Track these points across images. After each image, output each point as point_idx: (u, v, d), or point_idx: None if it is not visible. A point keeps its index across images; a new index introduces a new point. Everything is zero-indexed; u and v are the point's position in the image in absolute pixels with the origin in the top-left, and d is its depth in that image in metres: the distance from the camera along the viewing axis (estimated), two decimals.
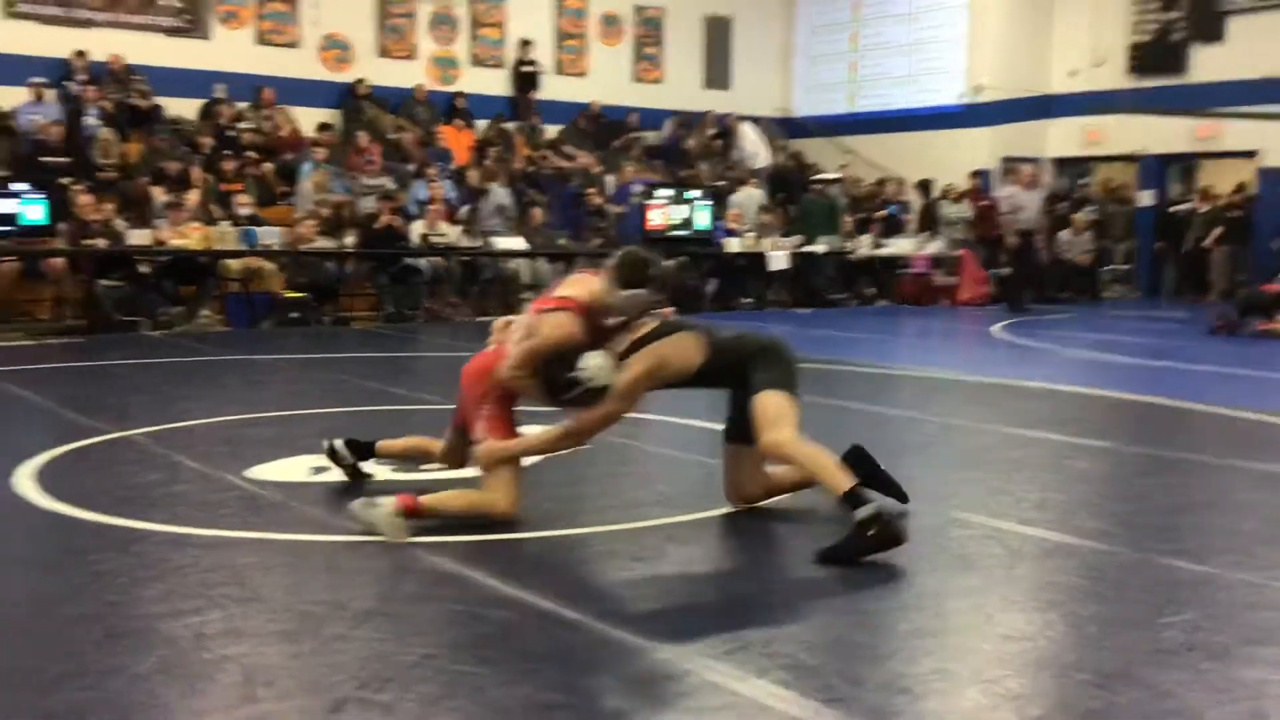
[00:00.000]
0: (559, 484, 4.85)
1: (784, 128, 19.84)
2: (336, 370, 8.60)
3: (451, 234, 13.09)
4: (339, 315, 12.31)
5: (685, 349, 4.07)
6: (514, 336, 4.20)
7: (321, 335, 11.19)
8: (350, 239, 12.69)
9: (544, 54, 17.75)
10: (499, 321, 4.53)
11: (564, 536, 4.06)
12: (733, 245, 15.02)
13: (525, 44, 17.41)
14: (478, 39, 17.25)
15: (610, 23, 18.61)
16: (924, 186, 16.97)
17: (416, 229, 12.94)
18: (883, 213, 16.59)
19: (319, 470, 4.99)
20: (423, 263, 12.70)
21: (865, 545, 3.64)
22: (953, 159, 17.40)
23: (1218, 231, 16.56)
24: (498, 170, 14.71)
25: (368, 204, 13.24)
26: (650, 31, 19.06)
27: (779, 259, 14.95)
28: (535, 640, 3.03)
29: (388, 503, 3.94)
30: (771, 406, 3.97)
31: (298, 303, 11.82)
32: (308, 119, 14.90)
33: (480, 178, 14.44)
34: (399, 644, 2.99)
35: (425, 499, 4.06)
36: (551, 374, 4.01)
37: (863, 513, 3.66)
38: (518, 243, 13.78)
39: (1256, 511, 4.56)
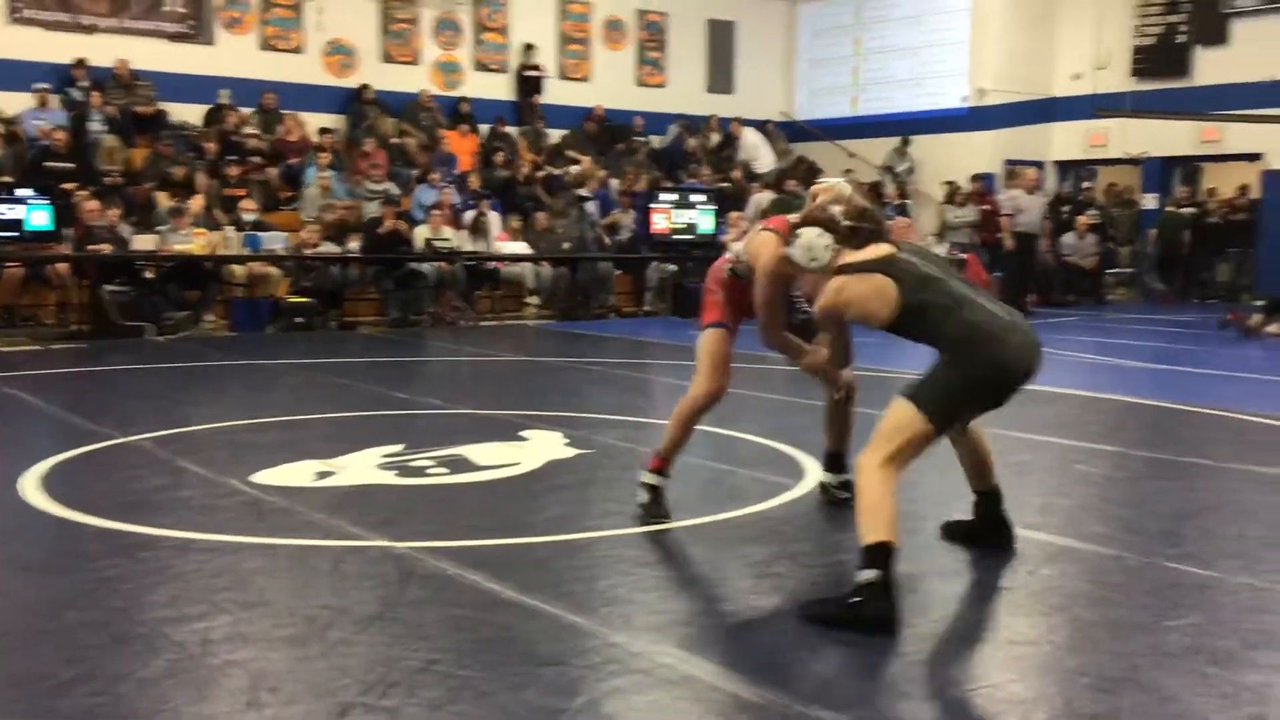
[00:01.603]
0: (564, 488, 4.86)
1: (787, 131, 19.85)
2: (341, 375, 8.62)
3: (456, 238, 13.10)
4: (343, 320, 12.31)
5: (868, 295, 3.42)
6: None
7: (326, 340, 11.20)
8: (354, 244, 12.70)
9: (547, 58, 17.77)
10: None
11: (569, 541, 4.06)
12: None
13: (529, 48, 17.43)
14: (481, 44, 17.27)
15: (613, 27, 18.63)
16: (951, 189, 16.65)
17: (421, 233, 12.95)
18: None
19: (323, 475, 5.00)
20: (427, 267, 12.72)
21: (846, 614, 3.16)
22: (956, 162, 17.39)
23: (1188, 236, 16.70)
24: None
25: (372, 209, 13.26)
26: (653, 35, 19.08)
27: None
28: (540, 645, 3.04)
29: (642, 480, 4.25)
30: (891, 420, 3.37)
31: (302, 308, 11.82)
32: (311, 124, 14.94)
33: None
34: (404, 649, 2.99)
35: (660, 447, 4.29)
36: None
37: (866, 576, 3.18)
38: (522, 248, 13.79)
39: (1262, 516, 4.55)
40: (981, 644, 3.15)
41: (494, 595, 3.43)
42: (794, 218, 3.86)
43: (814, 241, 3.53)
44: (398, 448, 5.57)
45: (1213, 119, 16.54)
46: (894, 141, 18.35)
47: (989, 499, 3.98)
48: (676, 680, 2.83)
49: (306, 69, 15.70)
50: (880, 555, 3.18)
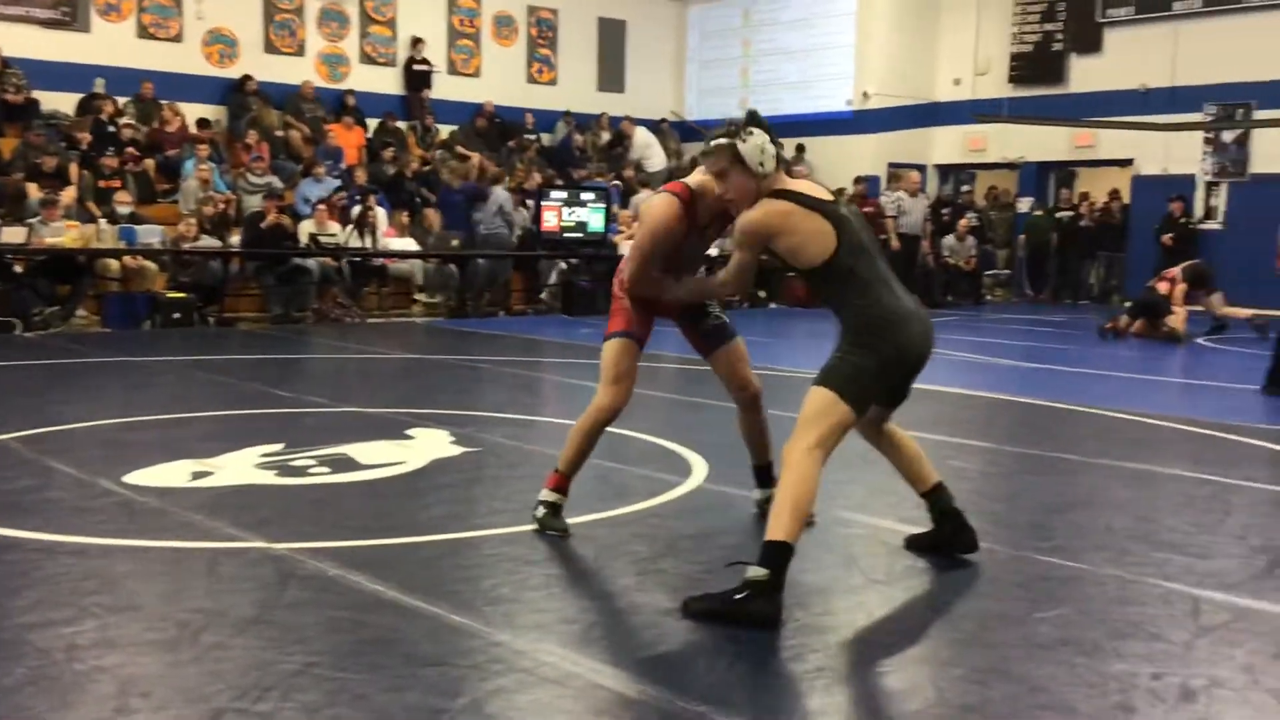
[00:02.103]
0: (450, 487, 4.82)
1: (679, 131, 19.98)
2: (220, 373, 8.41)
3: (341, 234, 12.89)
4: (223, 317, 12.04)
5: (811, 232, 3.42)
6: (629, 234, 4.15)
7: (205, 337, 10.93)
8: (235, 238, 12.42)
9: (436, 53, 17.61)
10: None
11: (454, 540, 4.02)
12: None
13: (417, 42, 17.24)
14: (368, 36, 17.04)
15: (504, 23, 18.54)
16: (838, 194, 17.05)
17: (305, 228, 12.72)
18: None
19: (200, 475, 4.87)
20: (311, 263, 12.49)
21: (731, 610, 3.18)
22: (842, 165, 17.70)
23: (1055, 238, 17.36)
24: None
25: (254, 202, 12.98)
26: (544, 32, 19.04)
27: None
28: (422, 645, 3.00)
29: (541, 497, 4.12)
30: (811, 407, 3.37)
31: (180, 303, 11.51)
32: (190, 115, 14.57)
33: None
34: (280, 652, 2.93)
35: (560, 462, 4.15)
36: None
37: (756, 573, 3.19)
38: (409, 244, 13.64)
39: (1128, 509, 4.72)
40: (858, 637, 3.20)
41: (375, 596, 3.38)
42: (695, 177, 3.90)
43: (766, 144, 3.51)
44: (278, 447, 5.45)
45: (1086, 125, 17.12)
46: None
47: (936, 497, 3.91)
48: (559, 678, 2.82)
49: (186, 58, 15.32)
50: (778, 555, 3.20)
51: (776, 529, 3.24)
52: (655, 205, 3.96)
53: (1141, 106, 16.64)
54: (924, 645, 3.16)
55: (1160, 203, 16.55)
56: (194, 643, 2.98)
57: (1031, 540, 4.19)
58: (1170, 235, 15.99)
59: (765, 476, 4.39)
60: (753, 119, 3.60)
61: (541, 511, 4.15)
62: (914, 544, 4.00)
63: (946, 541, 3.91)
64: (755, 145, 3.50)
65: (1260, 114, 15.81)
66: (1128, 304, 12.88)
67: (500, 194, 14.44)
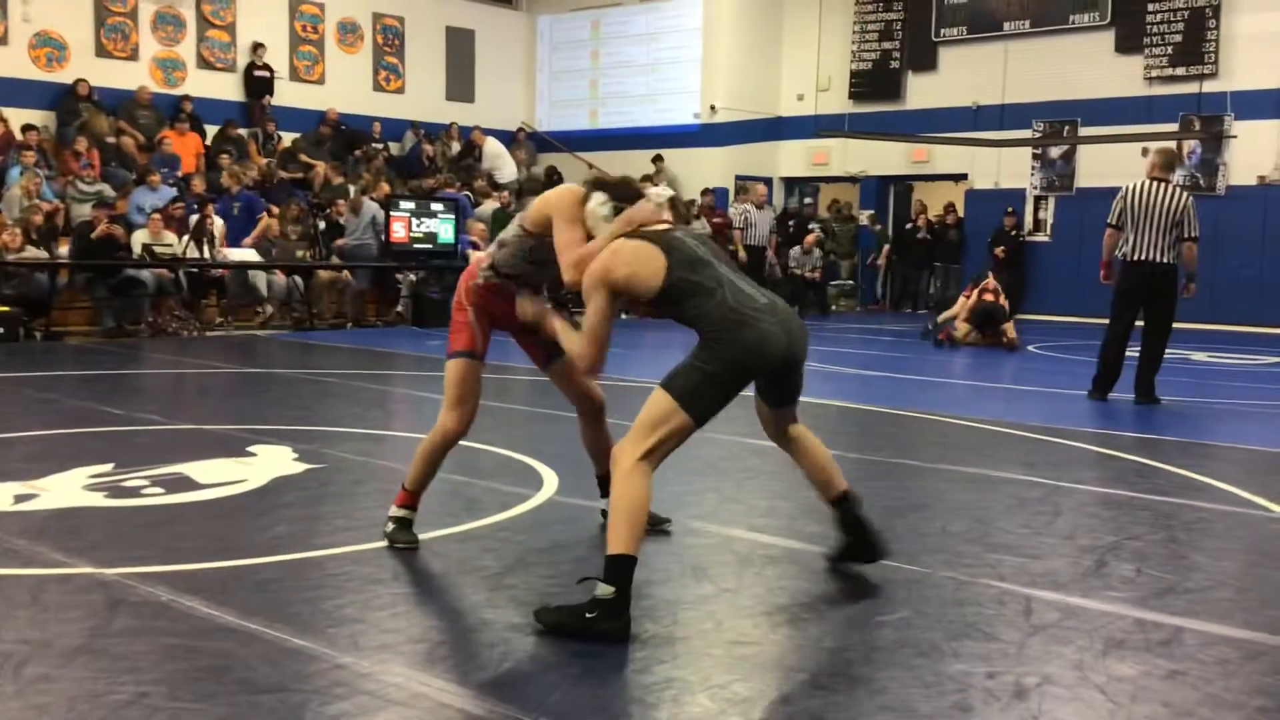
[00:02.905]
0: (292, 505, 4.69)
1: (535, 142, 19.94)
2: (46, 389, 8.02)
3: (178, 244, 12.46)
4: (50, 330, 11.49)
5: (640, 259, 3.47)
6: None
7: (31, 352, 10.41)
8: (64, 248, 11.88)
9: (278, 59, 17.18)
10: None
11: (296, 560, 3.91)
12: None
13: (257, 47, 16.80)
14: (205, 40, 16.53)
15: (348, 30, 18.21)
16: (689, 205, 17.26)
17: (139, 238, 12.25)
18: None
19: (23, 498, 4.64)
20: (145, 274, 12.03)
21: (580, 625, 3.18)
22: (691, 177, 17.91)
23: (886, 248, 18.00)
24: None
25: (84, 211, 12.44)
26: (390, 40, 18.77)
27: None
28: (260, 671, 2.91)
29: (391, 514, 4.11)
30: (650, 411, 3.36)
31: (3, 317, 10.94)
32: (15, 120, 13.89)
33: (356, 192, 14.41)
34: (110, 682, 2.80)
35: (406, 481, 4.10)
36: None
37: (604, 591, 3.19)
38: (249, 254, 13.26)
39: (963, 513, 4.88)
40: (707, 646, 3.23)
41: (211, 621, 3.26)
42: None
43: (597, 208, 3.72)
44: (107, 467, 5.23)
45: (921, 141, 17.71)
46: (634, 155, 18.72)
47: (842, 505, 3.89)
48: (405, 700, 2.77)
49: (11, 61, 14.62)
50: (621, 569, 3.21)
51: (615, 542, 3.24)
52: (559, 192, 3.92)
53: (974, 123, 17.30)
54: (771, 652, 3.21)
55: (993, 215, 17.23)
56: (16, 676, 2.83)
57: None
58: (1002, 248, 16.67)
59: (608, 486, 4.40)
60: (595, 184, 3.81)
61: (391, 527, 4.10)
62: (836, 559, 3.96)
63: (857, 551, 3.88)
64: (596, 201, 3.73)
65: (1085, 130, 16.60)
66: (943, 316, 13.32)
67: (370, 206, 14.26)
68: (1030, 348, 12.54)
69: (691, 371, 3.38)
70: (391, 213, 14.28)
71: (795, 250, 17.22)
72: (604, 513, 4.40)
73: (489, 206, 16.13)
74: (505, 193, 16.84)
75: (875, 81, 18.62)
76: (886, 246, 18.32)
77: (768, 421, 3.89)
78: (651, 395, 3.40)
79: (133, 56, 15.77)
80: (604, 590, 3.20)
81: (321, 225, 14.32)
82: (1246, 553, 4.36)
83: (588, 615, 3.19)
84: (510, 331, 4.20)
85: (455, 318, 4.10)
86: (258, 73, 16.78)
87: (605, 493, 4.41)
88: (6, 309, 11.00)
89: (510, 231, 4.06)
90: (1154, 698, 2.89)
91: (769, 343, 3.41)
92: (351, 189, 15.55)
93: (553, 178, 17.68)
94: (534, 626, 3.25)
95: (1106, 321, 8.49)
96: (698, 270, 3.47)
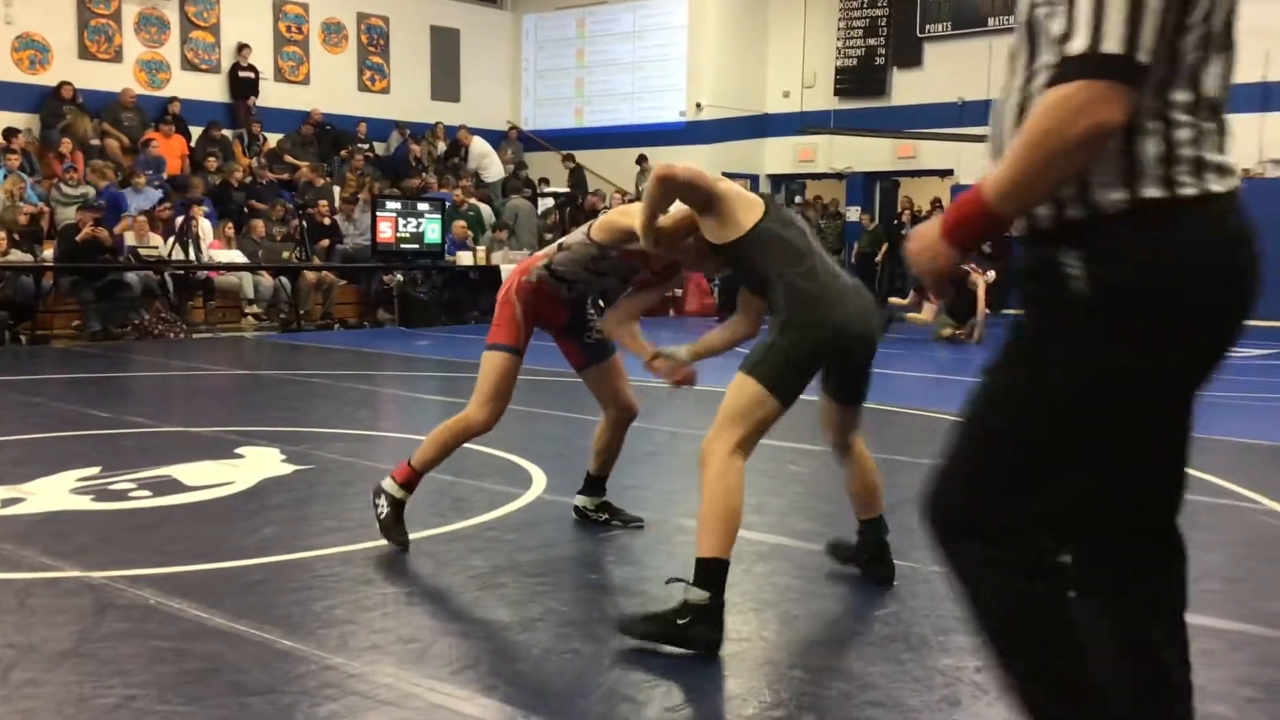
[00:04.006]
0: (280, 507, 4.68)
1: (523, 142, 19.92)
2: (32, 393, 7.99)
3: (163, 246, 12.41)
4: (36, 334, 11.44)
5: (738, 195, 3.33)
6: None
7: (17, 356, 10.37)
8: (49, 251, 11.83)
9: (263, 60, 17.14)
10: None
11: (284, 562, 3.90)
12: (465, 259, 14.94)
13: (242, 48, 16.75)
14: (189, 42, 16.47)
15: (332, 30, 18.17)
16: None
17: (125, 240, 12.20)
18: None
19: (9, 502, 4.61)
20: (131, 276, 11.98)
21: (675, 634, 3.04)
22: None
23: (885, 247, 18.05)
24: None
25: (68, 214, 12.40)
26: (375, 40, 18.73)
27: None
28: (250, 673, 2.90)
29: (385, 488, 4.00)
30: (736, 399, 3.19)
31: None
32: None
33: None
34: (98, 686, 2.79)
35: (414, 458, 4.03)
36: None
37: (696, 596, 3.04)
38: (235, 256, 13.23)
39: None
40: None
41: (200, 624, 3.25)
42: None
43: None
44: (94, 470, 5.21)
45: (907, 137, 17.75)
46: (620, 153, 18.73)
47: (872, 526, 3.80)
48: (396, 700, 2.76)
49: None
50: (715, 573, 3.05)
51: (708, 545, 3.05)
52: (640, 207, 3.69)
53: (959, 118, 17.34)
54: (762, 648, 3.21)
55: None
56: (4, 680, 2.82)
57: None
58: (988, 243, 16.68)
59: (599, 487, 4.41)
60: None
61: (385, 510, 4.03)
62: (833, 551, 3.94)
63: (863, 565, 3.81)
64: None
65: None
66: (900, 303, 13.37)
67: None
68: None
69: (777, 353, 3.19)
70: (378, 213, 14.25)
71: None
72: (578, 509, 4.43)
73: (520, 203, 16.27)
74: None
75: (860, 78, 18.65)
76: (885, 245, 18.29)
77: (833, 424, 3.68)
78: (735, 383, 3.21)
79: (116, 58, 15.71)
80: (696, 595, 3.03)
81: (307, 227, 14.29)
82: (1234, 545, 4.38)
83: (679, 622, 3.03)
84: (551, 332, 4.18)
85: (501, 312, 4.01)
86: (242, 74, 16.73)
87: (592, 490, 4.42)
88: None
89: (575, 238, 3.95)
90: None
91: (854, 324, 3.26)
92: (336, 190, 15.54)
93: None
94: (625, 634, 3.13)
95: None
96: (789, 229, 3.32)
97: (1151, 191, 1.71)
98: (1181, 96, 1.71)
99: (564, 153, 18.86)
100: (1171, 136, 1.71)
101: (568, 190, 17.81)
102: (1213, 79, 1.73)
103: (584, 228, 3.97)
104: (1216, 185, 1.73)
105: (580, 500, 4.47)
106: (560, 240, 4.07)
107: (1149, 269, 1.71)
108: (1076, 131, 1.61)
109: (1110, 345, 1.74)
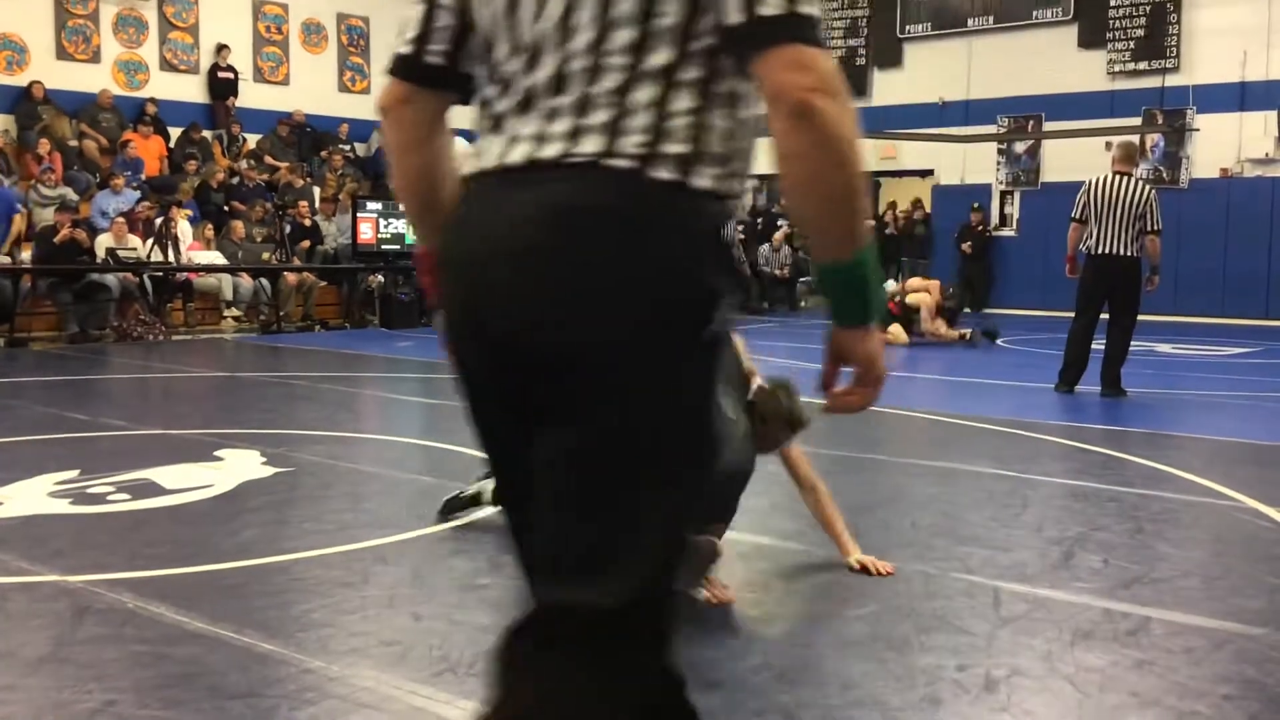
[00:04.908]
0: (260, 510, 4.65)
1: None
2: (9, 396, 7.93)
3: (142, 248, 12.35)
4: (14, 337, 11.36)
5: None
6: None
7: None
8: (26, 253, 11.75)
9: (242, 60, 17.05)
10: None
11: (263, 565, 3.88)
12: None
13: (221, 49, 16.67)
14: (168, 43, 16.38)
15: (312, 30, 18.10)
16: None
17: (103, 242, 12.13)
18: None
19: None
20: (110, 278, 11.91)
21: None
22: None
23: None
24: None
25: (46, 216, 12.32)
26: (355, 40, 18.66)
27: None
28: (229, 676, 2.88)
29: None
30: None
31: None
32: None
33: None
34: (77, 691, 2.77)
35: None
36: None
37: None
38: (215, 257, 13.17)
39: (932, 506, 4.90)
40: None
41: (179, 628, 3.23)
42: None
43: None
44: (72, 473, 5.17)
45: (887, 137, 17.78)
46: None
47: None
48: (375, 703, 2.75)
49: None
50: None
51: None
52: None
53: (939, 119, 17.39)
54: (739, 650, 3.21)
55: (959, 211, 17.31)
56: None
57: None
58: (968, 243, 16.76)
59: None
60: None
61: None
62: None
63: None
64: None
65: (1049, 125, 16.73)
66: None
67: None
68: (999, 342, 12.61)
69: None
70: (359, 214, 14.20)
71: (764, 248, 17.24)
72: None
73: None
74: None
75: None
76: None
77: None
78: None
79: (94, 59, 15.60)
80: None
81: (288, 228, 14.23)
82: (1212, 542, 4.41)
83: None
84: None
85: None
86: (221, 74, 16.64)
87: None
88: None
89: None
90: (1122, 687, 2.91)
91: None
92: (316, 191, 15.49)
93: None
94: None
95: (1072, 315, 8.55)
96: None
97: None
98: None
99: None
100: None
101: None
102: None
103: None
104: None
105: None
106: None
107: None
108: None
109: None
